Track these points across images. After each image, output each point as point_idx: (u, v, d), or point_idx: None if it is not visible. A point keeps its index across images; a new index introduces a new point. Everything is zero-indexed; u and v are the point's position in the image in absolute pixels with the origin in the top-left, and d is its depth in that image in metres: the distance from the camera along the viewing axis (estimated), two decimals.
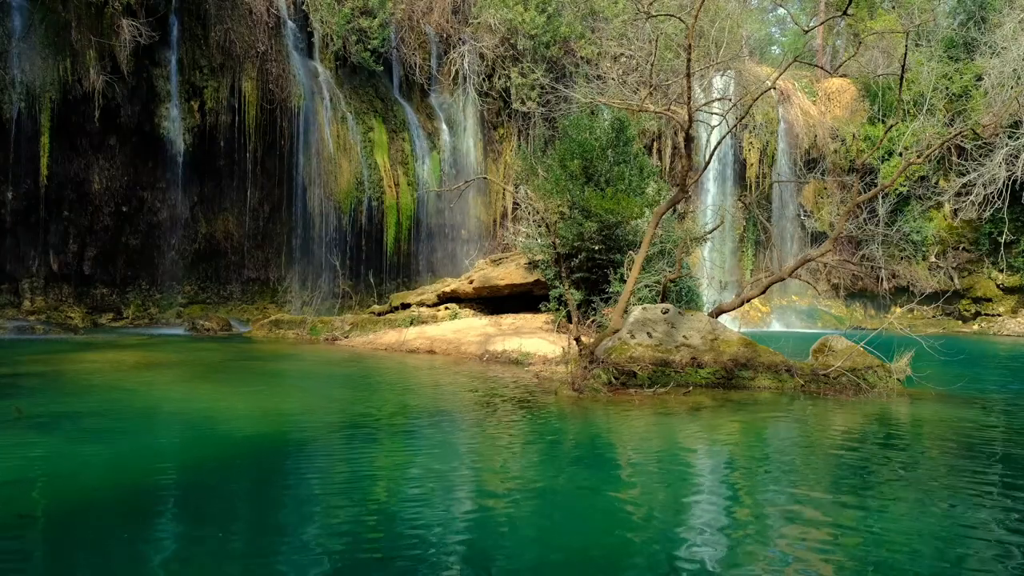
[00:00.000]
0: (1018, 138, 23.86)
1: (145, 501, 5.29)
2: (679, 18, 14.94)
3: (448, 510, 5.17)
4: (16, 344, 16.24)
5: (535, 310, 17.52)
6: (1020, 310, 28.50)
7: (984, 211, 26.47)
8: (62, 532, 4.61)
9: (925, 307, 27.64)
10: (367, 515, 5.00)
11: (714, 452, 7.28)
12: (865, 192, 26.01)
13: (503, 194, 27.49)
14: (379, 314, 20.14)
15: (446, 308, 19.32)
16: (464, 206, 27.20)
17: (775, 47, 45.82)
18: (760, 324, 28.64)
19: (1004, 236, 27.16)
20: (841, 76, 31.76)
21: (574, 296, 14.33)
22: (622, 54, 27.25)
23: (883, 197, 23.17)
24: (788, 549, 4.53)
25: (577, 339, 10.79)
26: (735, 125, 13.97)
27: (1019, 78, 25.03)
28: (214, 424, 7.98)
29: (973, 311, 29.32)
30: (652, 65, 16.89)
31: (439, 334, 16.68)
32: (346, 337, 18.35)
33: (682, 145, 20.44)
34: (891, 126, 13.56)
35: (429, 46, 26.97)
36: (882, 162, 28.40)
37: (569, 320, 13.09)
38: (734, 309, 13.58)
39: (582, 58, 27.66)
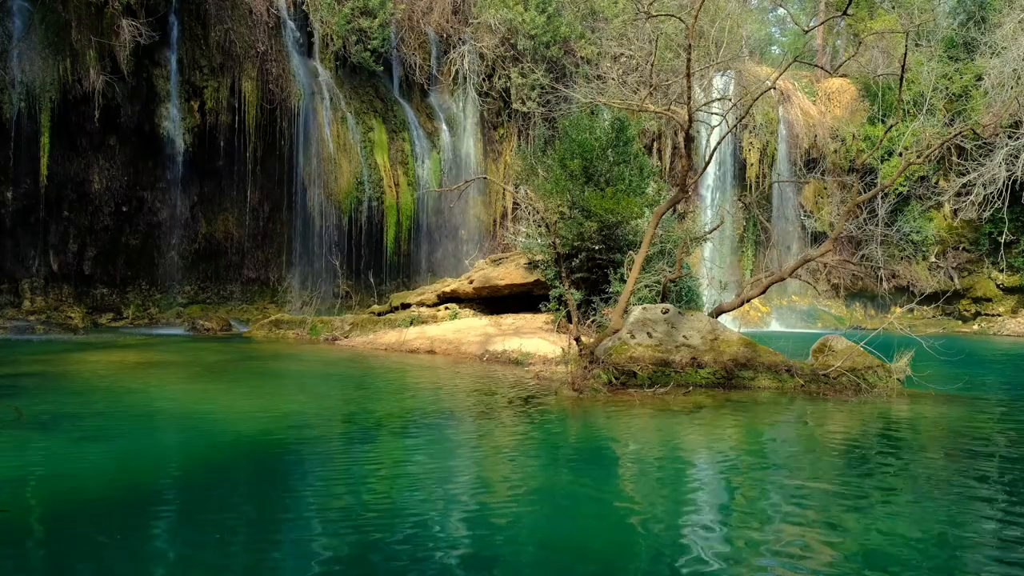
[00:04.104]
0: (1018, 138, 23.86)
1: (145, 501, 5.29)
2: (679, 18, 14.93)
3: (448, 510, 5.16)
4: (16, 344, 16.24)
5: (535, 310, 17.51)
6: (1020, 310, 28.51)
7: (984, 211, 26.48)
8: (62, 532, 4.60)
9: (925, 307, 27.66)
10: (367, 515, 5.00)
11: (714, 452, 7.28)
12: (865, 192, 26.03)
13: (503, 194, 27.50)
14: (379, 314, 20.14)
15: (446, 308, 19.32)
16: (464, 206, 27.20)
17: (775, 47, 45.83)
18: (760, 324, 28.65)
19: (1004, 236, 27.17)
20: (841, 76, 31.76)
21: (574, 296, 14.33)
22: (622, 54, 27.25)
23: (883, 197, 23.14)
24: (788, 549, 4.52)
25: (577, 339, 10.78)
26: (735, 125, 13.97)
27: (1019, 78, 25.03)
28: (214, 424, 7.97)
29: (973, 311, 29.32)
30: (652, 65, 16.88)
31: (439, 334, 16.68)
32: (346, 337, 18.35)
33: (682, 145, 20.42)
34: (891, 126, 13.56)
35: (429, 46, 26.97)
36: (882, 162, 28.40)
37: (569, 320, 13.09)
38: (734, 309, 13.58)
39: (582, 58, 27.65)
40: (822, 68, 33.09)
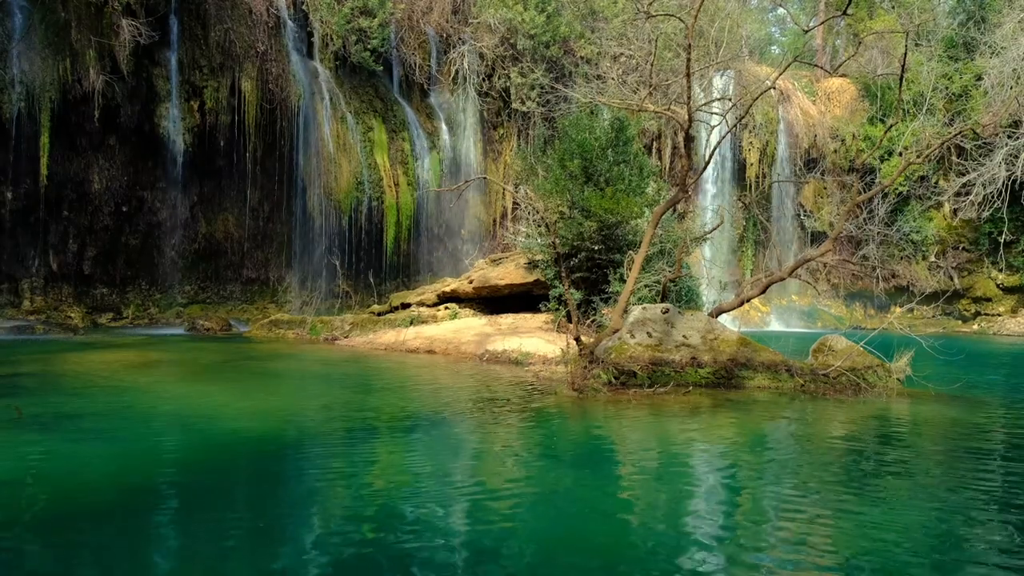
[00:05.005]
0: (1018, 138, 23.86)
1: (145, 501, 5.29)
2: (679, 18, 14.91)
3: (447, 510, 5.17)
4: (16, 344, 16.24)
5: (535, 310, 17.52)
6: (1020, 310, 28.51)
7: (984, 211, 26.48)
8: (61, 532, 4.61)
9: (925, 307, 27.65)
10: (366, 515, 5.01)
11: (713, 452, 7.28)
12: (865, 192, 26.03)
13: (503, 194, 27.50)
14: (379, 314, 20.14)
15: (446, 308, 19.32)
16: (464, 206, 27.20)
17: (775, 47, 45.83)
18: (760, 324, 28.65)
19: (1004, 236, 27.17)
20: (841, 76, 31.76)
21: (574, 296, 14.33)
22: (622, 54, 27.25)
23: (883, 197, 23.14)
24: (787, 549, 4.53)
25: (577, 339, 10.78)
26: (735, 125, 13.98)
27: (1019, 78, 25.03)
28: (213, 424, 7.98)
29: (973, 311, 29.33)
30: (652, 65, 16.86)
31: (438, 334, 16.69)
32: (346, 337, 18.36)
33: (682, 145, 20.43)
34: (891, 126, 13.56)
35: (429, 46, 26.98)
36: (882, 162, 28.41)
37: (569, 320, 13.09)
38: (734, 309, 13.58)
39: (582, 58, 27.65)
40: (822, 68, 33.09)
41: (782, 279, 13.05)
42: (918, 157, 14.47)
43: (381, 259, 25.13)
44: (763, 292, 13.17)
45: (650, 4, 13.37)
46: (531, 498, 5.51)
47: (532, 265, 17.95)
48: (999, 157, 23.99)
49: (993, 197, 24.94)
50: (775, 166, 30.36)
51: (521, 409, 9.13)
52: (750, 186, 30.20)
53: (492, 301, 19.13)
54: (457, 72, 27.09)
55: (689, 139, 11.89)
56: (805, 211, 30.31)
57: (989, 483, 6.10)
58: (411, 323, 18.60)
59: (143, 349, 15.58)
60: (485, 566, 4.19)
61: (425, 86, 27.15)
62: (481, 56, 27.02)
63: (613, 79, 23.88)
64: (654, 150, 28.97)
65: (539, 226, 18.02)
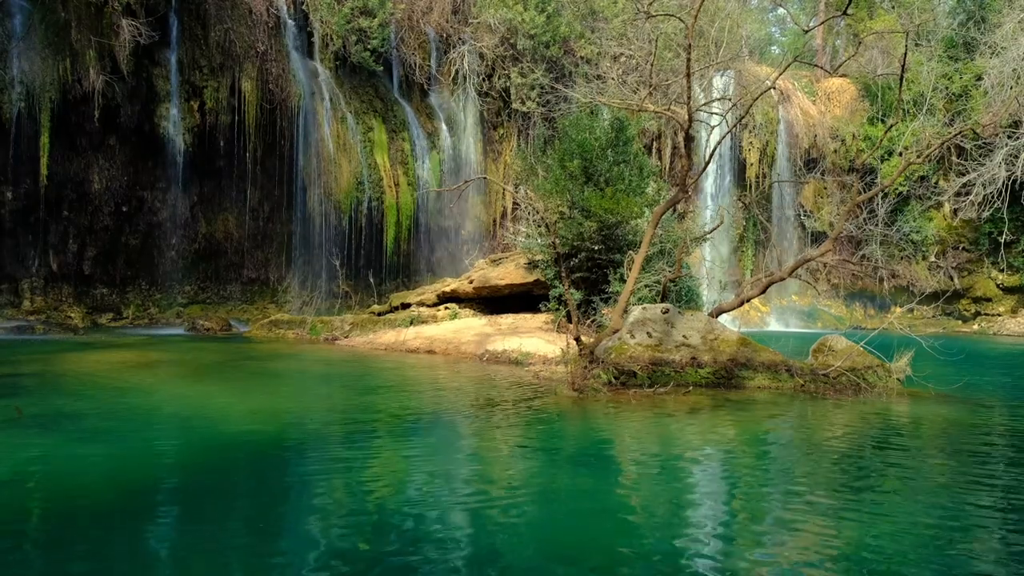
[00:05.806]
0: (1018, 138, 23.85)
1: (145, 501, 5.29)
2: (679, 18, 14.92)
3: (447, 510, 5.17)
4: (16, 344, 16.24)
5: (535, 310, 17.53)
6: (1020, 310, 28.51)
7: (984, 211, 26.47)
8: (61, 532, 4.61)
9: (925, 307, 27.65)
10: (366, 515, 5.01)
11: (713, 452, 7.28)
12: (865, 192, 26.03)
13: (503, 194, 27.50)
14: (379, 314, 20.14)
15: (446, 308, 19.32)
16: (464, 206, 27.20)
17: (775, 47, 45.84)
18: (759, 324, 28.65)
19: (1004, 236, 27.16)
20: (841, 76, 31.77)
21: (574, 296, 14.33)
22: (622, 54, 27.25)
23: (883, 197, 23.14)
24: (787, 549, 4.53)
25: (577, 339, 10.78)
26: (735, 125, 13.99)
27: (1019, 78, 25.02)
28: (213, 424, 7.98)
29: (973, 311, 29.33)
30: (652, 65, 16.87)
31: (438, 334, 16.69)
32: (346, 337, 18.36)
33: (682, 145, 20.42)
34: (891, 126, 13.56)
35: (429, 46, 26.98)
36: (882, 162, 28.41)
37: (569, 320, 13.09)
38: (734, 309, 13.58)
39: (582, 58, 27.65)
40: (822, 68, 33.09)
41: (782, 279, 13.06)
42: (918, 157, 14.47)
43: (381, 259, 25.13)
44: (763, 292, 13.17)
45: (650, 4, 13.37)
46: (531, 498, 5.51)
47: (532, 265, 17.95)
48: (999, 157, 23.98)
49: (993, 197, 24.93)
50: (775, 166, 30.35)
51: (521, 409, 9.13)
52: (750, 186, 30.19)
53: (492, 301, 19.13)
54: (457, 72, 27.08)
55: (689, 139, 11.89)
56: (805, 211, 30.31)
57: (989, 484, 6.10)
58: (411, 323, 18.60)
59: (143, 349, 15.58)
60: (485, 567, 4.19)
61: (425, 86, 27.15)
62: (481, 56, 27.02)
63: (613, 79, 23.88)
64: (654, 150, 28.97)
65: (539, 226, 18.02)
